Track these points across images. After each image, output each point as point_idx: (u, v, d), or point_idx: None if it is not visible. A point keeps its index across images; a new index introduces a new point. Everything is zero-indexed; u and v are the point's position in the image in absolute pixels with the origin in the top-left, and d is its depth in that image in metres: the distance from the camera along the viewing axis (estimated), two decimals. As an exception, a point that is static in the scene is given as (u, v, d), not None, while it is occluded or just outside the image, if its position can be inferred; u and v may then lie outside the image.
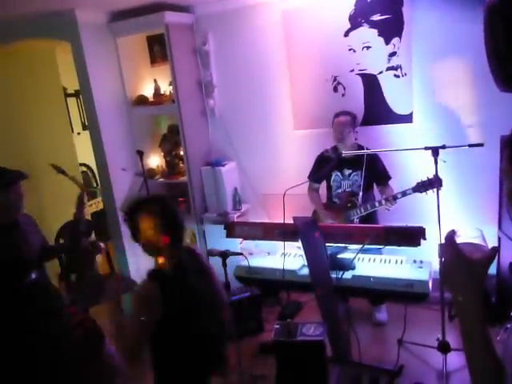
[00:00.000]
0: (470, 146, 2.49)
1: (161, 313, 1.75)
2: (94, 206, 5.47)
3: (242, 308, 3.23)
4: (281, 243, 2.77)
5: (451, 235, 0.98)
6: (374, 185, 3.24)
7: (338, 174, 3.22)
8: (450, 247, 0.97)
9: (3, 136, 4.07)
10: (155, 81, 3.94)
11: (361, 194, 3.12)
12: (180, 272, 1.85)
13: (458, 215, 3.20)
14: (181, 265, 1.87)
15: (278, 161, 3.88)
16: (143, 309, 1.78)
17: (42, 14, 3.32)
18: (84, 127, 5.84)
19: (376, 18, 3.22)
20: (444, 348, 2.68)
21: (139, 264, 3.67)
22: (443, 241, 1.00)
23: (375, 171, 3.14)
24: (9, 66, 4.03)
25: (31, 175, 4.19)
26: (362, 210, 3.06)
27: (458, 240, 0.99)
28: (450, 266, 0.97)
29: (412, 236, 2.29)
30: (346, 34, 3.35)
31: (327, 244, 2.49)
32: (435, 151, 2.48)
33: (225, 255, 2.38)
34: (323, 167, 3.15)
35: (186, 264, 1.89)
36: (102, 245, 3.05)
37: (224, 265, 2.40)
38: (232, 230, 2.86)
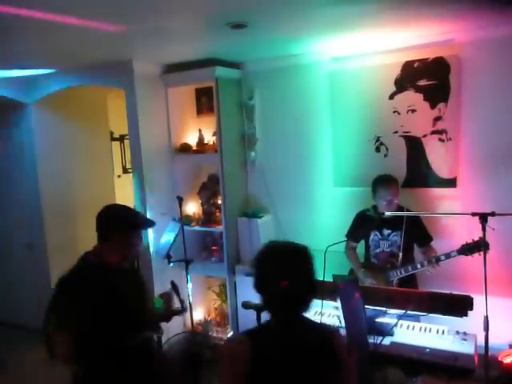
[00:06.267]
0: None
1: None
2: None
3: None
4: (315, 301, 2.68)
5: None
6: (415, 246, 3.14)
7: (377, 233, 3.15)
8: None
9: (52, 176, 4.25)
10: (200, 130, 4.06)
11: (400, 254, 3.03)
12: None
13: (505, 286, 3.04)
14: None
15: (316, 216, 3.85)
16: None
17: (101, 63, 3.57)
18: (124, 170, 6.02)
19: (422, 83, 3.27)
20: (488, 432, 2.46)
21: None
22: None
23: (416, 232, 3.06)
24: (63, 108, 4.27)
25: (69, 212, 4.37)
26: (403, 271, 2.95)
27: None
28: None
29: (459, 305, 2.19)
30: (391, 97, 3.40)
31: (366, 306, 2.39)
32: (484, 218, 2.40)
33: (261, 309, 2.31)
34: (363, 226, 3.09)
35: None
36: None
37: (258, 318, 2.33)
38: (267, 283, 2.79)
